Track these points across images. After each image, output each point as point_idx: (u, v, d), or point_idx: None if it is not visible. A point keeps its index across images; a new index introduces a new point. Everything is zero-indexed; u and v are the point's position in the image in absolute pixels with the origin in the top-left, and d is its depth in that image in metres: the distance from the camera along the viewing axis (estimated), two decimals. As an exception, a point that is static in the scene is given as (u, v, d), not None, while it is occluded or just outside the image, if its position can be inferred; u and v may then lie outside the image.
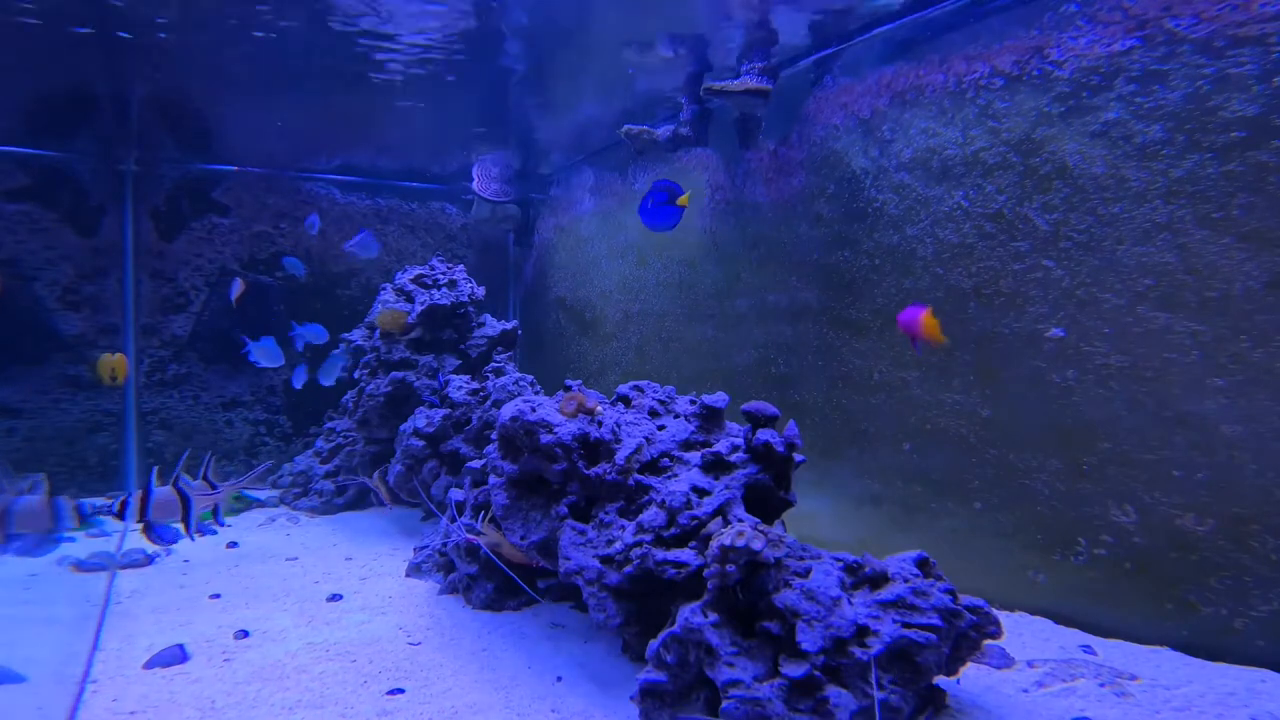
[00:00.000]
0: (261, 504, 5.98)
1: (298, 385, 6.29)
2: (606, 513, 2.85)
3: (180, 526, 3.67)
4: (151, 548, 4.51)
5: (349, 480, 5.74)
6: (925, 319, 3.01)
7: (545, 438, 3.00)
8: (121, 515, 3.47)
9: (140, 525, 3.53)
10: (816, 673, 2.11)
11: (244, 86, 5.17)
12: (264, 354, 5.78)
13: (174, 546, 4.57)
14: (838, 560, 2.46)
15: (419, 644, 3.15)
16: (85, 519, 3.55)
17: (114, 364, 5.24)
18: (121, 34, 4.24)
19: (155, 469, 3.82)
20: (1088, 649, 2.90)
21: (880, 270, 3.95)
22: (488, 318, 6.02)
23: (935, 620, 2.22)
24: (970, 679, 2.60)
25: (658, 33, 4.35)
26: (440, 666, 2.92)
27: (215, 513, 3.70)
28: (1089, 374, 3.09)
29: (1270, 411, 2.62)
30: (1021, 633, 3.09)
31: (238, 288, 5.97)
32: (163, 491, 3.52)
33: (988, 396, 3.46)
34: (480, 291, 5.92)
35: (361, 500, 5.80)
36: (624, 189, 6.20)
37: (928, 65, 3.74)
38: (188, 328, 6.79)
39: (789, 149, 4.55)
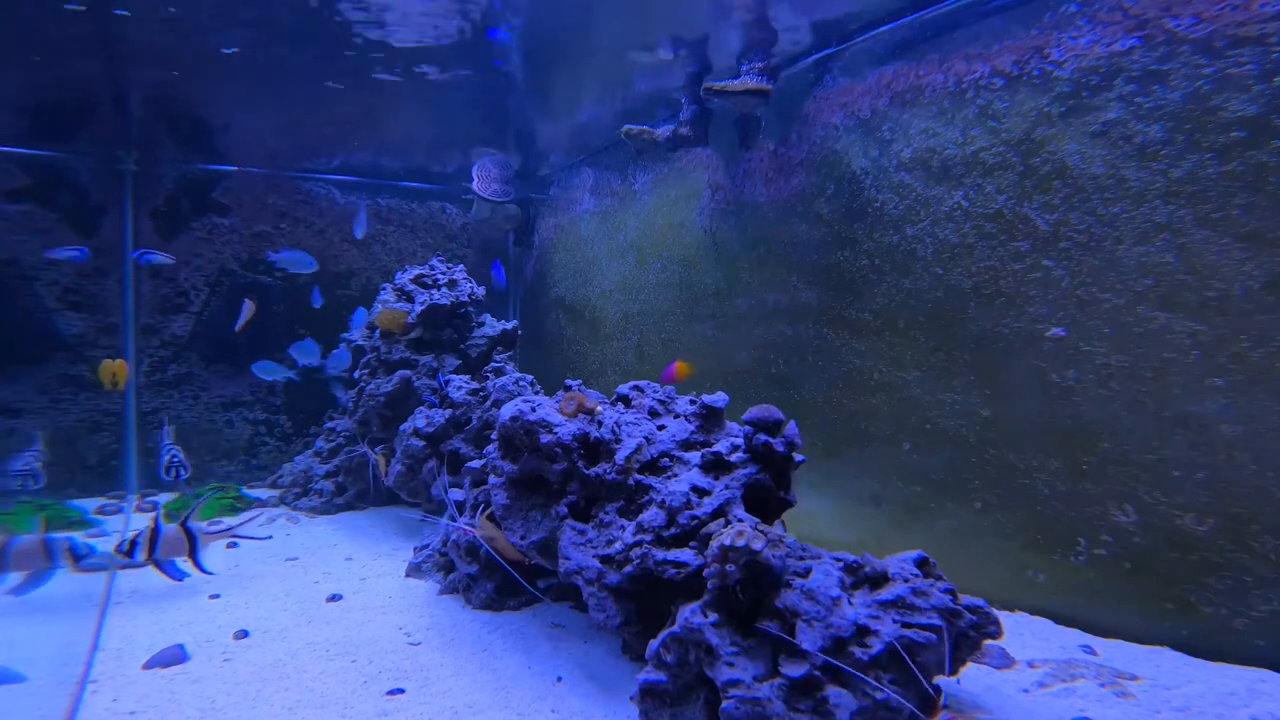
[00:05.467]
0: (262, 504, 5.98)
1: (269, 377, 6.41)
2: (606, 513, 2.85)
3: (189, 563, 3.81)
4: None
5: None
6: (678, 367, 4.28)
7: (545, 438, 3.00)
8: (130, 554, 3.59)
9: (150, 563, 3.73)
10: (816, 673, 2.11)
11: (244, 86, 5.17)
12: (303, 352, 5.93)
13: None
14: (838, 560, 2.46)
15: (419, 644, 3.15)
16: (79, 558, 3.57)
17: (115, 369, 5.24)
18: (121, 29, 4.24)
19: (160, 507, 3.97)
20: (1088, 649, 2.90)
21: (880, 270, 3.95)
22: (488, 317, 6.02)
23: (935, 620, 2.22)
24: (970, 679, 2.60)
25: (658, 33, 4.35)
26: (440, 666, 2.92)
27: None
28: (1089, 374, 3.09)
29: (1270, 411, 2.62)
30: (1022, 633, 3.09)
31: (247, 312, 5.94)
32: (170, 529, 3.69)
33: (988, 396, 3.46)
34: (480, 291, 5.92)
35: (361, 500, 5.80)
36: (624, 189, 6.20)
37: (928, 65, 3.74)
38: (188, 328, 6.79)
39: (789, 149, 4.55)
